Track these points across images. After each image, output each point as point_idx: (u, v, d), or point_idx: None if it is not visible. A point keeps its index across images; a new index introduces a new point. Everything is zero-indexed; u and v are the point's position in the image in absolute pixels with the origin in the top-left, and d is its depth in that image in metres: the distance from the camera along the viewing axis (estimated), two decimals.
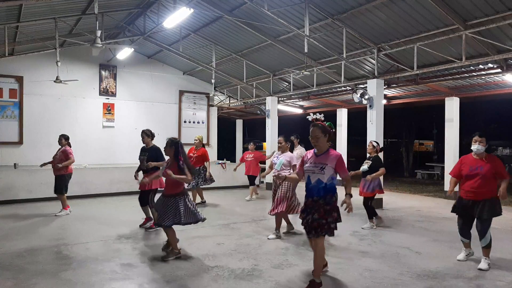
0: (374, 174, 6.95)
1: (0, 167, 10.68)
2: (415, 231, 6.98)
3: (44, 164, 8.17)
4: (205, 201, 9.46)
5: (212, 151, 15.78)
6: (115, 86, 13.83)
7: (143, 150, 6.87)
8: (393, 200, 10.63)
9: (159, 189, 6.52)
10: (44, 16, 9.29)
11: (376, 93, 9.60)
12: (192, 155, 9.01)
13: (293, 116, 17.56)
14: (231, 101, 16.27)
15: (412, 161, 22.77)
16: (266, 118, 13.76)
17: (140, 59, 14.17)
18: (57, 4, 8.60)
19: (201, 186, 9.35)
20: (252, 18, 9.40)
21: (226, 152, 21.66)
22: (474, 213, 4.82)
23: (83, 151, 12.17)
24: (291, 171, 6.15)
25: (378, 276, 4.54)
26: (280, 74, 12.73)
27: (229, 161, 13.85)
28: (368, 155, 7.40)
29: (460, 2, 7.03)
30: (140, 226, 6.89)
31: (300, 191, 5.01)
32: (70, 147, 8.15)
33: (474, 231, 5.00)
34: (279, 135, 7.41)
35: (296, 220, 6.01)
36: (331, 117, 14.74)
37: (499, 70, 8.76)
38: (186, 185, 5.38)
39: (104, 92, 13.63)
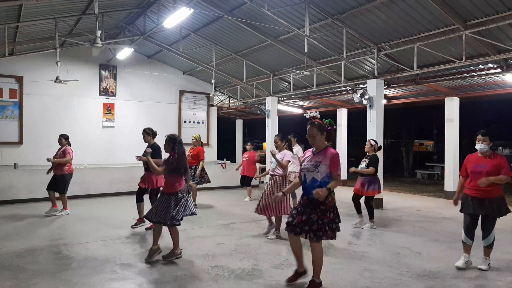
0: (359, 169, 7.04)
1: (0, 167, 10.68)
2: (415, 231, 6.98)
3: (50, 170, 8.11)
4: (195, 205, 9.25)
5: (212, 151, 15.80)
6: (115, 86, 13.83)
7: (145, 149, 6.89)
8: (393, 200, 10.63)
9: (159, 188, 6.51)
10: (44, 16, 9.29)
11: (376, 93, 9.59)
12: (189, 153, 8.96)
13: (293, 116, 17.55)
14: (231, 101, 16.28)
15: (412, 161, 22.79)
16: (266, 118, 13.77)
17: (140, 59, 14.17)
18: (57, 4, 8.60)
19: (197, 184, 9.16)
20: (252, 18, 9.40)
21: (226, 152, 21.67)
22: (481, 212, 4.79)
23: (83, 151, 12.17)
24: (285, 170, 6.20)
25: (378, 276, 4.54)
26: (280, 74, 12.73)
27: (229, 161, 13.86)
28: (367, 154, 7.41)
29: (460, 2, 7.03)
30: (132, 226, 6.81)
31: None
32: (70, 146, 8.15)
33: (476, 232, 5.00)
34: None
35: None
36: (331, 117, 14.58)
37: (499, 70, 8.76)
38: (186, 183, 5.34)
39: (104, 92, 13.63)
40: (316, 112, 4.27)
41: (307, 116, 4.26)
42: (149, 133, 6.87)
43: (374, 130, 9.49)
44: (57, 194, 8.07)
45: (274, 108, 13.70)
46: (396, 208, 9.44)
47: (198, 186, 9.21)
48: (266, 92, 13.72)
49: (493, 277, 4.57)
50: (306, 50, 9.09)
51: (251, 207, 9.23)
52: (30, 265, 4.82)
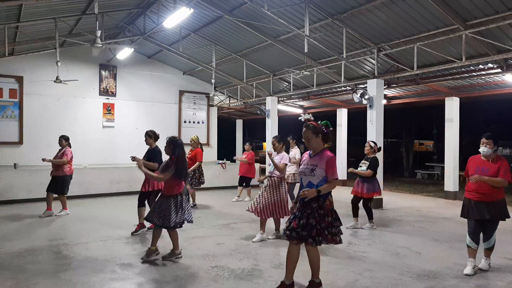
0: (357, 170, 7.07)
1: (0, 167, 10.68)
2: (415, 231, 6.98)
3: (45, 159, 8.05)
4: (195, 204, 9.21)
5: (212, 151, 15.80)
6: (115, 86, 13.83)
7: (146, 152, 6.85)
8: (393, 200, 10.64)
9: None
10: (44, 16, 9.30)
11: (376, 93, 9.60)
12: (187, 155, 8.87)
13: (293, 116, 17.55)
14: (231, 101, 16.28)
15: (412, 161, 22.79)
16: (266, 118, 13.77)
17: (140, 59, 14.18)
18: (57, 4, 8.60)
19: (195, 187, 9.18)
20: (252, 18, 9.40)
21: (226, 152, 21.65)
22: (482, 215, 4.75)
23: (83, 151, 12.17)
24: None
25: (378, 276, 4.54)
26: (280, 74, 12.73)
27: (229, 161, 13.85)
28: (366, 155, 7.40)
29: (460, 2, 7.03)
30: (132, 233, 6.55)
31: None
32: (70, 147, 8.15)
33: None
34: (278, 135, 7.39)
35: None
36: (331, 117, 14.74)
37: (499, 70, 8.76)
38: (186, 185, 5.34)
39: (104, 92, 13.63)
40: (309, 114, 4.23)
41: (302, 119, 4.22)
42: (151, 136, 6.80)
43: (374, 130, 9.49)
44: (56, 195, 8.08)
45: (274, 108, 13.70)
46: (396, 208, 9.44)
47: (196, 187, 9.23)
48: (266, 92, 13.72)
49: (493, 277, 4.57)
50: (306, 50, 9.09)
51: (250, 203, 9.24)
52: (30, 265, 4.83)
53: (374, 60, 9.64)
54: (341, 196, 9.72)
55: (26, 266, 4.79)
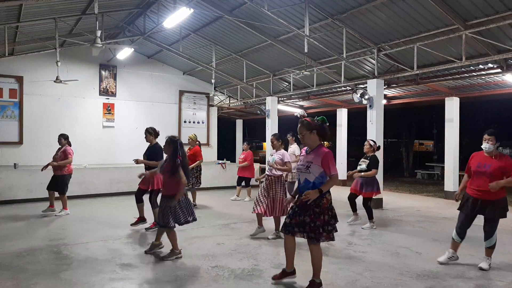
0: (362, 173, 7.02)
1: (0, 167, 10.68)
2: (415, 231, 6.98)
3: (45, 167, 8.09)
4: (195, 205, 9.11)
5: (212, 151, 15.79)
6: (115, 86, 13.83)
7: (147, 149, 6.90)
8: (393, 200, 10.63)
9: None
10: (44, 16, 9.29)
11: (376, 93, 9.60)
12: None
13: (293, 116, 17.55)
14: (231, 101, 16.28)
15: (412, 161, 22.80)
16: (266, 118, 13.77)
17: (140, 59, 14.17)
18: (57, 4, 8.60)
19: (195, 187, 9.16)
20: (252, 18, 9.40)
21: (226, 152, 21.67)
22: (482, 213, 4.76)
23: (83, 151, 12.16)
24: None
25: (378, 276, 4.54)
26: (280, 74, 12.73)
27: (229, 161, 13.86)
28: (365, 154, 7.40)
29: (460, 2, 7.03)
30: (131, 224, 6.85)
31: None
32: (70, 146, 8.15)
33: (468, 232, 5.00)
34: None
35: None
36: (331, 117, 14.75)
37: (499, 70, 8.76)
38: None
39: (104, 92, 13.63)
40: (302, 111, 4.23)
41: (298, 115, 4.23)
42: (151, 133, 6.87)
43: (374, 130, 9.49)
44: (56, 194, 8.07)
45: (274, 108, 13.70)
46: (396, 208, 9.44)
47: (196, 188, 9.22)
48: (266, 92, 13.72)
49: (493, 277, 4.57)
50: (306, 50, 9.08)
51: (251, 207, 9.25)
52: (30, 265, 4.82)
53: (374, 60, 9.64)
54: (341, 196, 9.72)
55: (26, 266, 4.79)
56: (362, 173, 7.06)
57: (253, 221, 7.50)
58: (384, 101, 10.72)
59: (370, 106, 9.63)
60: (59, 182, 7.94)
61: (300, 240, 4.22)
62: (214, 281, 4.35)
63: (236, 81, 13.92)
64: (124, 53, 11.54)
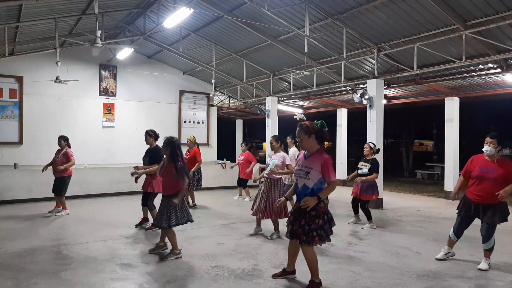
0: (364, 178, 7.02)
1: (0, 167, 10.68)
2: (415, 231, 6.98)
3: (45, 167, 8.13)
4: (195, 205, 9.21)
5: (212, 151, 15.79)
6: (115, 86, 13.83)
7: (146, 151, 6.89)
8: (393, 200, 10.63)
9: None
10: (44, 16, 9.29)
11: (376, 93, 9.59)
12: (185, 156, 8.79)
13: (293, 116, 17.55)
14: (231, 101, 16.28)
15: (412, 161, 22.79)
16: (266, 118, 13.77)
17: (140, 59, 14.17)
18: (57, 4, 8.60)
19: (195, 188, 9.14)
20: (252, 18, 9.40)
21: (226, 152, 21.67)
22: (480, 217, 4.73)
23: (83, 151, 12.16)
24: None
25: (378, 276, 4.54)
26: (280, 74, 12.72)
27: (229, 161, 13.86)
28: (364, 157, 7.39)
29: (460, 2, 7.02)
30: (136, 226, 6.89)
31: None
32: (70, 148, 8.15)
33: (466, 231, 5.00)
34: (278, 135, 7.38)
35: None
36: (331, 117, 14.81)
37: (499, 70, 8.76)
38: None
39: (104, 92, 13.63)
40: (301, 114, 4.23)
41: (297, 118, 4.22)
42: (151, 135, 6.87)
43: (374, 130, 9.49)
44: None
45: (274, 108, 13.70)
46: (396, 208, 9.44)
47: (197, 189, 9.21)
48: (266, 92, 13.72)
49: (493, 277, 4.57)
50: (306, 50, 9.08)
51: (251, 207, 9.25)
52: (30, 265, 4.83)
53: (374, 60, 9.64)
54: (341, 196, 9.73)
55: (26, 266, 4.79)
56: (364, 178, 7.05)
57: (253, 221, 7.49)
58: (384, 101, 10.72)
59: (370, 106, 9.63)
60: (57, 184, 7.95)
61: None
62: (214, 281, 4.35)
63: (236, 81, 13.92)
64: (124, 53, 11.54)
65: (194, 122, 15.51)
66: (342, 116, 14.42)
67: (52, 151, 8.40)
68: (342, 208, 8.94)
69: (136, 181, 6.75)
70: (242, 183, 10.46)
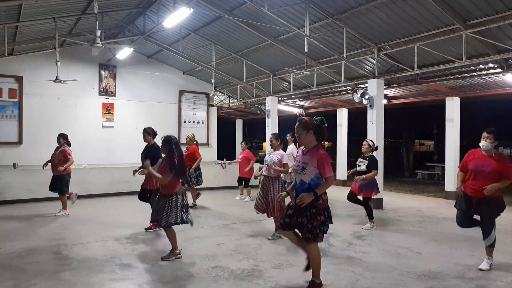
0: (365, 176, 7.00)
1: (0, 167, 10.67)
2: (415, 231, 6.97)
3: (45, 164, 8.15)
4: (195, 205, 9.17)
5: (212, 151, 15.78)
6: (115, 86, 13.82)
7: (145, 148, 6.89)
8: (394, 200, 10.63)
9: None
10: (43, 16, 9.28)
11: (377, 93, 9.58)
12: (184, 154, 8.78)
13: (293, 116, 17.53)
14: (231, 101, 16.27)
15: (413, 161, 22.77)
16: (266, 118, 13.75)
17: (140, 59, 14.16)
18: (57, 4, 8.59)
19: (194, 187, 9.09)
20: (252, 18, 9.39)
21: (226, 152, 21.65)
22: (477, 211, 4.75)
23: (83, 151, 12.15)
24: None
25: (378, 276, 4.53)
26: (280, 74, 12.72)
27: (228, 161, 13.83)
28: (363, 154, 7.38)
29: (460, 2, 7.01)
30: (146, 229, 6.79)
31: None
32: (70, 146, 8.14)
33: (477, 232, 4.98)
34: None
35: None
36: (331, 117, 14.78)
37: (499, 70, 8.75)
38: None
39: (104, 92, 13.62)
40: (302, 110, 4.23)
41: (297, 114, 4.23)
42: (149, 133, 6.87)
43: (375, 130, 9.48)
44: (56, 194, 8.07)
45: (274, 108, 13.68)
46: (396, 208, 9.43)
47: (196, 187, 9.17)
48: (266, 92, 13.71)
49: (493, 277, 4.56)
50: (306, 50, 9.07)
51: (251, 207, 9.24)
52: (30, 265, 4.82)
53: (374, 60, 9.63)
54: (342, 196, 9.71)
55: (26, 266, 4.78)
56: (364, 176, 7.02)
57: (253, 221, 7.50)
58: (385, 101, 10.71)
59: (370, 106, 9.62)
60: (58, 182, 7.93)
61: None
62: (214, 281, 4.34)
63: (236, 81, 13.91)
64: (124, 53, 11.53)
65: (194, 122, 15.50)
66: (342, 116, 14.41)
67: (52, 151, 8.39)
68: (342, 208, 8.94)
69: (133, 174, 6.72)
70: (242, 181, 10.47)
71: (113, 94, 13.76)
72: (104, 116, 13.60)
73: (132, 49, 10.98)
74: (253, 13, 9.15)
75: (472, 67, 9.12)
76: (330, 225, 4.06)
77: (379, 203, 9.29)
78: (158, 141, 6.84)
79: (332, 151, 16.53)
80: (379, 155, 9.28)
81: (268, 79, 13.13)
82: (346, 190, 8.05)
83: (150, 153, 6.64)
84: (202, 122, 15.75)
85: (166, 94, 14.90)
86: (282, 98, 14.58)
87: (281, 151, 6.23)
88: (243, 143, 10.84)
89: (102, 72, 13.59)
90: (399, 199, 11.04)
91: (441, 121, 12.51)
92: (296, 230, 4.10)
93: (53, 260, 5.06)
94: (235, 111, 18.26)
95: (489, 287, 4.31)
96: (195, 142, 9.21)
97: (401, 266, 4.92)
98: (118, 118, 13.80)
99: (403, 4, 7.53)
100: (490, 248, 4.83)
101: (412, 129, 23.33)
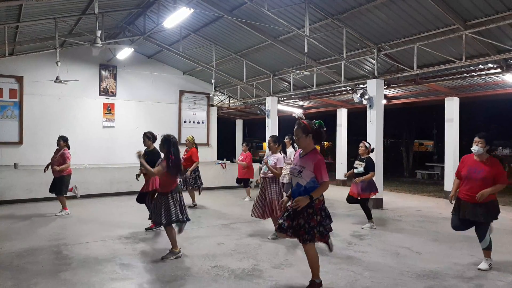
0: (362, 178, 7.01)
1: (0, 167, 10.68)
2: (415, 231, 6.98)
3: (46, 167, 8.16)
4: (195, 205, 9.18)
5: (212, 151, 15.79)
6: (115, 86, 13.83)
7: (145, 153, 6.86)
8: (393, 200, 10.63)
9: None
10: (44, 16, 9.29)
11: (376, 93, 9.59)
12: (183, 156, 8.78)
13: (293, 116, 17.53)
14: (231, 101, 16.27)
15: (412, 161, 22.76)
16: (266, 118, 13.76)
17: (140, 59, 14.17)
18: (57, 4, 8.59)
19: (192, 188, 9.09)
20: (252, 18, 9.40)
21: (226, 152, 21.66)
22: (471, 216, 4.75)
23: (83, 151, 12.17)
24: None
25: (378, 276, 4.54)
26: (280, 74, 12.72)
27: (229, 161, 13.85)
28: (359, 156, 7.39)
29: (460, 2, 7.02)
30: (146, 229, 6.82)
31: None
32: (69, 149, 8.14)
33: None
34: (278, 135, 7.38)
35: None
36: (331, 117, 14.80)
37: (499, 70, 8.75)
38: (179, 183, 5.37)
39: (104, 92, 13.63)
40: (300, 112, 4.25)
41: (296, 116, 4.24)
42: (149, 138, 6.88)
43: (374, 130, 9.49)
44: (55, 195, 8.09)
45: (274, 108, 13.69)
46: (396, 208, 9.44)
47: (194, 188, 9.17)
48: (266, 92, 13.72)
49: (493, 277, 4.57)
50: (306, 50, 9.08)
51: (251, 207, 9.25)
52: (30, 265, 4.83)
53: (374, 60, 9.64)
54: (342, 196, 9.72)
55: (26, 266, 4.79)
56: (362, 178, 7.03)
57: (253, 221, 7.50)
58: (384, 101, 10.72)
59: (370, 106, 9.63)
60: (57, 183, 7.95)
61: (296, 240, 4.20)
62: (214, 281, 4.35)
63: (236, 81, 13.92)
64: (124, 53, 11.54)
65: (194, 122, 15.51)
66: (342, 116, 14.42)
67: (52, 151, 8.40)
68: (342, 208, 8.95)
69: (137, 179, 6.71)
70: (242, 182, 10.48)
71: (113, 94, 13.78)
72: (104, 116, 13.61)
73: (132, 49, 10.99)
74: (253, 13, 9.16)
75: (471, 67, 9.13)
76: (331, 224, 4.07)
77: (379, 203, 9.29)
78: (157, 144, 6.87)
79: (332, 151, 16.52)
80: (378, 155, 9.30)
81: (268, 79, 13.14)
82: (345, 190, 8.07)
83: (150, 158, 6.64)
84: (202, 122, 15.76)
85: (166, 94, 14.90)
86: (282, 98, 14.59)
87: (278, 155, 6.22)
88: (244, 145, 10.84)
89: (103, 72, 13.60)
90: (399, 199, 11.05)
91: (440, 121, 12.51)
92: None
93: (53, 260, 5.07)
94: (235, 111, 18.27)
95: (489, 287, 4.32)
96: (194, 145, 9.21)
97: (401, 266, 4.93)
98: (119, 118, 13.81)
99: (403, 4, 7.54)
100: (487, 251, 4.84)
101: (412, 129, 23.32)
